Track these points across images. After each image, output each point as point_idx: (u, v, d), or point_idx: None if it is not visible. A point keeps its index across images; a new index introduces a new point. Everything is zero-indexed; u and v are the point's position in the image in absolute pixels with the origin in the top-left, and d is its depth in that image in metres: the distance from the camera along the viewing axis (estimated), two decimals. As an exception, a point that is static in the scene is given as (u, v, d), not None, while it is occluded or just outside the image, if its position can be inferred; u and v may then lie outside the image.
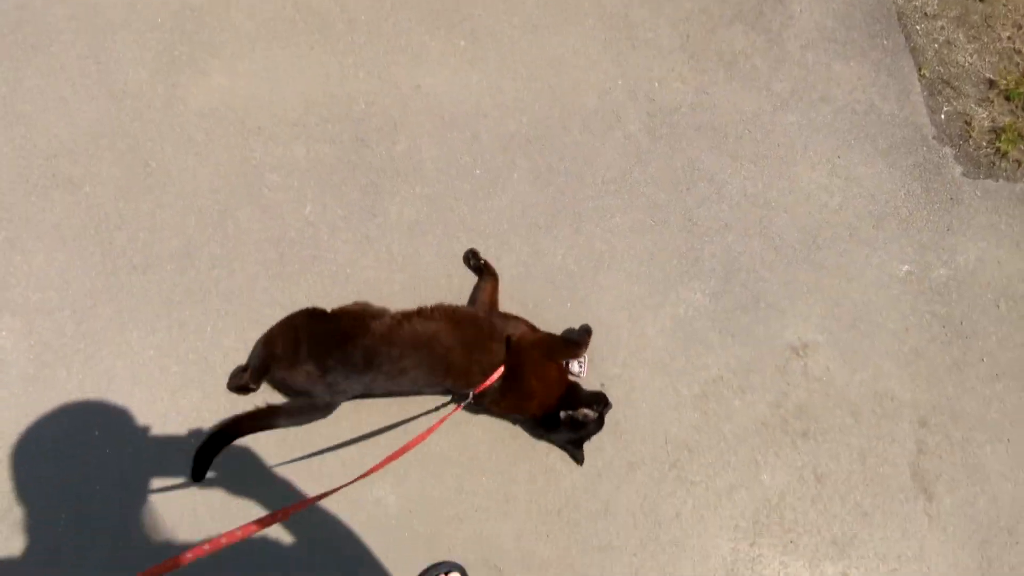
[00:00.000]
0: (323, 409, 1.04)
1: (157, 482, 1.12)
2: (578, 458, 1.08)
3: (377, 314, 1.07)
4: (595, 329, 1.23)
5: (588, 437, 1.06)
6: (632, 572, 1.11)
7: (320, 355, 1.00)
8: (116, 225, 1.28)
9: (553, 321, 1.24)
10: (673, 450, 1.18)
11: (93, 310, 1.21)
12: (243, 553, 0.98)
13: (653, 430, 1.19)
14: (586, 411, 1.01)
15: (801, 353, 1.25)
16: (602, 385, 1.21)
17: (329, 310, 1.11)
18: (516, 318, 1.11)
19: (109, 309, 1.21)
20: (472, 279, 1.27)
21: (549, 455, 1.17)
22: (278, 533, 1.10)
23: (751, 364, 1.24)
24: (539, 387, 1.03)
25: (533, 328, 1.10)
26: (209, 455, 0.99)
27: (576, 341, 1.13)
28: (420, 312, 1.06)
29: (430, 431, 0.93)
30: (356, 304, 1.12)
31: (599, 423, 1.06)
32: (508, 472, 1.14)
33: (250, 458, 1.15)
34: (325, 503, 0.99)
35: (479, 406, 1.06)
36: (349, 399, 1.06)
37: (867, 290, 1.32)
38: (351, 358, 1.00)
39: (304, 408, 1.04)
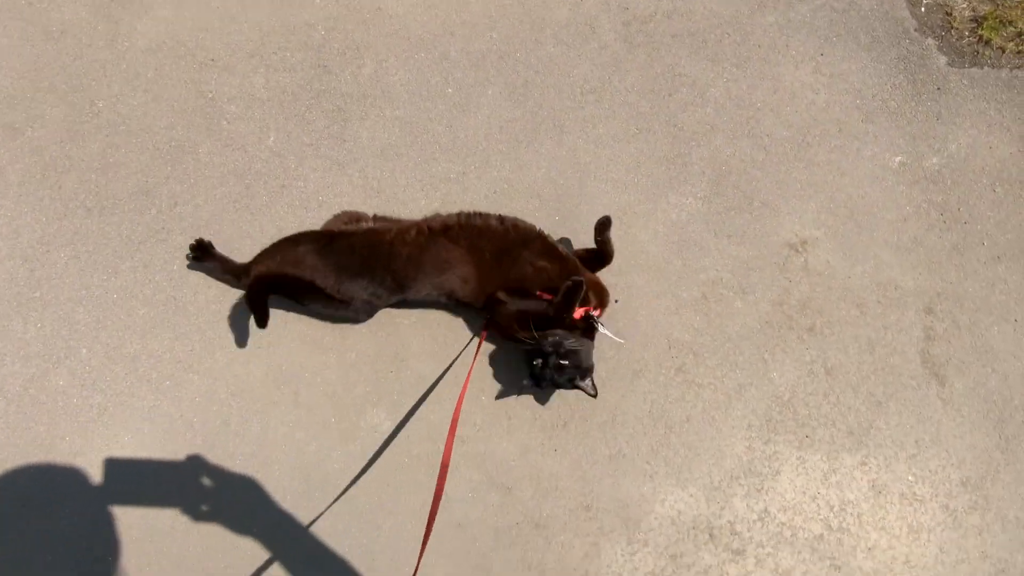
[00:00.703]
0: (364, 313, 1.21)
1: (126, 425, 1.26)
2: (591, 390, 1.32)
3: (384, 229, 1.29)
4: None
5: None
6: (647, 478, 1.28)
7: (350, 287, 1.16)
8: (64, 168, 1.44)
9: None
10: (677, 354, 1.37)
11: (47, 257, 1.37)
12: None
13: (655, 335, 1.38)
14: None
15: (800, 249, 1.46)
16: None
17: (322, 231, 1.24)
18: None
19: (65, 254, 1.37)
20: (453, 197, 1.44)
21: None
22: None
23: (750, 263, 1.45)
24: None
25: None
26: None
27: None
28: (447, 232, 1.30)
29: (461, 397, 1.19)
30: (345, 216, 1.27)
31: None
32: (504, 379, 1.41)
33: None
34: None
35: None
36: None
37: (861, 183, 1.54)
38: (384, 282, 1.16)
39: (342, 312, 1.20)
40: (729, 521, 1.34)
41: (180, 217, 1.47)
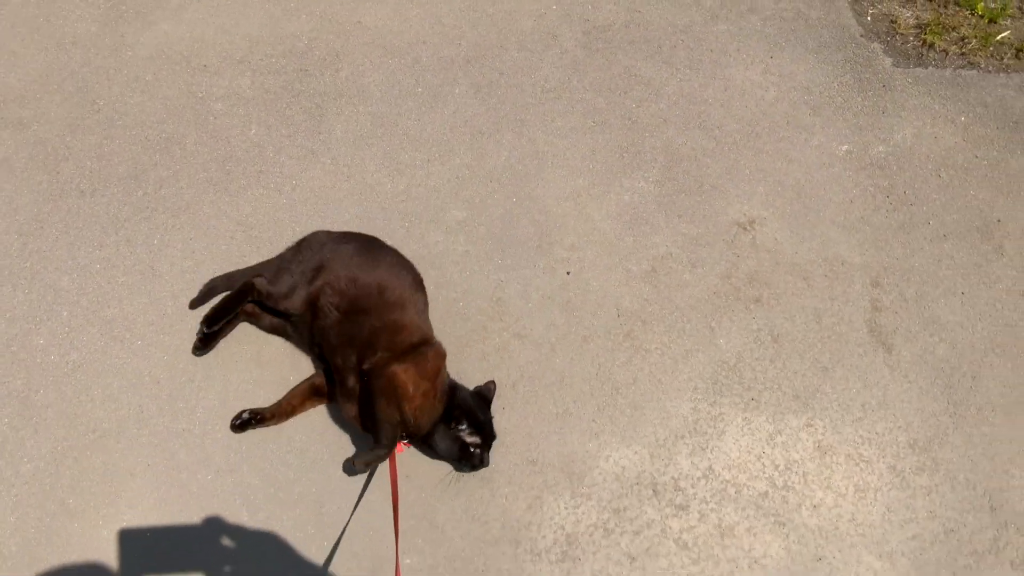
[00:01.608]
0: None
1: (98, 380, 1.78)
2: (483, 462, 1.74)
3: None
4: (542, 219, 2.17)
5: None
6: (592, 435, 1.72)
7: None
8: (63, 157, 2.04)
9: (501, 216, 2.17)
10: (626, 322, 1.84)
11: (40, 232, 1.93)
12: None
13: (604, 304, 1.87)
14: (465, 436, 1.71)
15: (748, 228, 1.98)
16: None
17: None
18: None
19: (56, 230, 1.94)
20: (418, 181, 2.15)
21: (502, 334, 1.99)
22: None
23: (699, 239, 1.96)
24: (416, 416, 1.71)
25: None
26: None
27: None
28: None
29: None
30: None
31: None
32: (457, 353, 1.92)
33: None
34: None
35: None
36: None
37: (809, 169, 2.08)
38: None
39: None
40: (673, 478, 1.73)
41: (164, 198, 2.04)
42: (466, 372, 1.92)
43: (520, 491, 1.81)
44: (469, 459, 1.70)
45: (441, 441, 1.70)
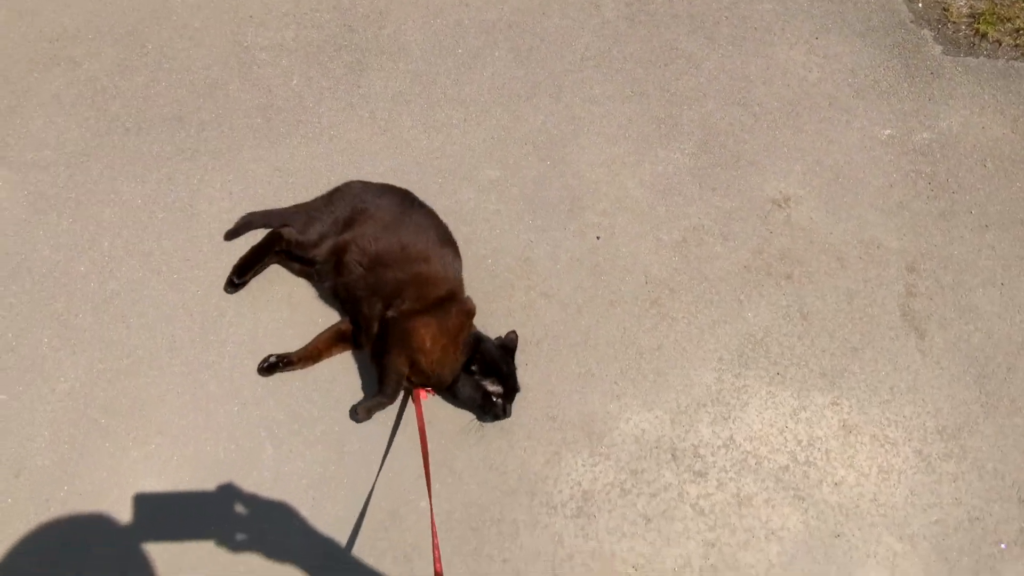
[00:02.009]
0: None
1: (134, 309, 1.89)
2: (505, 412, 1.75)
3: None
4: (575, 183, 2.17)
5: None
6: (614, 398, 1.72)
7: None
8: (112, 95, 2.09)
9: (534, 178, 2.18)
10: (653, 289, 1.84)
11: (85, 165, 1.98)
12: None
13: (633, 270, 1.87)
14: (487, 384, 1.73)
15: (783, 205, 1.96)
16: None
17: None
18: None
19: (101, 164, 1.98)
20: (454, 139, 2.17)
21: (529, 292, 2.01)
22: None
23: (732, 213, 1.95)
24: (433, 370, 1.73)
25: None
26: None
27: None
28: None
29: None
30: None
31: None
32: (483, 308, 1.92)
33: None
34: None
35: None
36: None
37: (849, 151, 2.06)
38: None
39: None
40: (693, 444, 1.73)
41: (206, 140, 2.08)
42: (492, 327, 1.93)
43: (539, 445, 1.82)
44: (491, 409, 1.71)
45: (464, 390, 1.72)
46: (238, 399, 1.82)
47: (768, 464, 1.82)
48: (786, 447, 1.85)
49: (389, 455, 1.76)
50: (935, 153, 2.28)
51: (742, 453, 1.83)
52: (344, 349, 1.89)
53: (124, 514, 1.69)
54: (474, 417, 1.79)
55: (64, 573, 1.63)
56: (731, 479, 1.80)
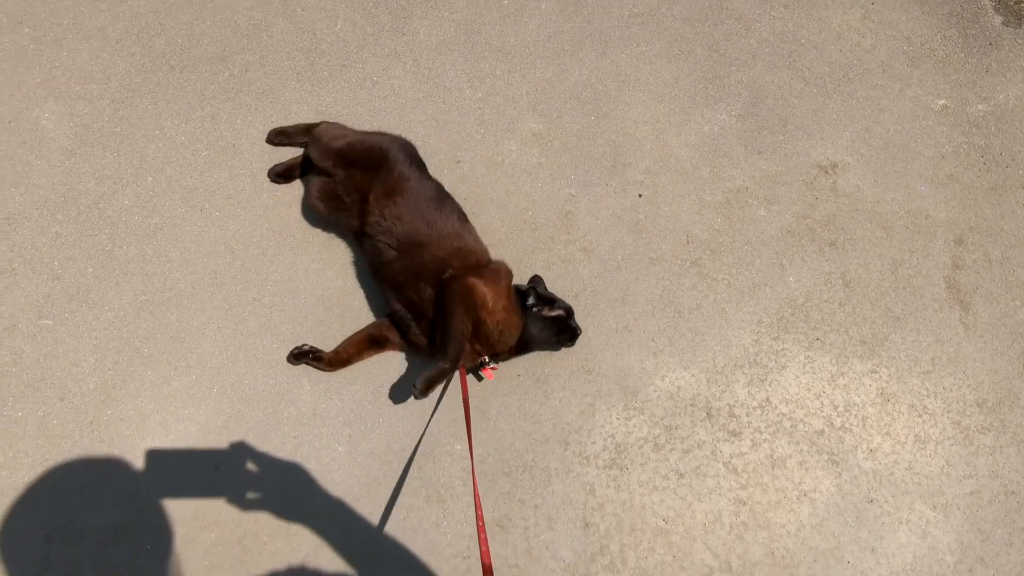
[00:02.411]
0: None
1: (176, 244, 1.91)
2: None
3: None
4: (619, 140, 2.14)
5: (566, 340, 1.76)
6: (650, 354, 1.71)
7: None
8: (156, 32, 2.08)
9: (577, 133, 2.16)
10: (695, 249, 1.81)
11: (131, 100, 1.97)
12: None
13: (674, 230, 1.84)
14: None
15: (830, 171, 1.92)
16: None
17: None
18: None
19: (146, 100, 1.97)
20: (497, 90, 2.16)
21: (568, 247, 2.00)
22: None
23: (777, 177, 1.91)
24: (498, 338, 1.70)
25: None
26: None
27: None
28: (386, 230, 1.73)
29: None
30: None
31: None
32: (523, 259, 1.96)
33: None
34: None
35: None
36: None
37: (900, 120, 2.00)
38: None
39: None
40: (728, 404, 1.72)
41: (249, 81, 2.06)
42: (528, 278, 1.92)
43: (573, 397, 1.82)
44: (569, 330, 1.71)
45: (534, 329, 1.68)
46: (277, 336, 1.84)
47: (803, 427, 1.82)
48: (822, 412, 1.83)
49: (426, 400, 1.77)
50: (990, 126, 2.22)
51: (778, 415, 1.83)
52: (377, 352, 1.81)
53: (165, 439, 1.72)
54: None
55: (108, 492, 1.66)
56: (765, 440, 1.80)
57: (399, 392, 1.79)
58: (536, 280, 1.84)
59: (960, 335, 1.93)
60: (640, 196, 2.08)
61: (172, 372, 1.79)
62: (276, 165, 2.03)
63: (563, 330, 1.70)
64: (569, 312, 1.72)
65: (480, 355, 1.69)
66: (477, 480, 1.50)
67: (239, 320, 1.86)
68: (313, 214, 1.96)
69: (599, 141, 2.16)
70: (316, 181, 1.88)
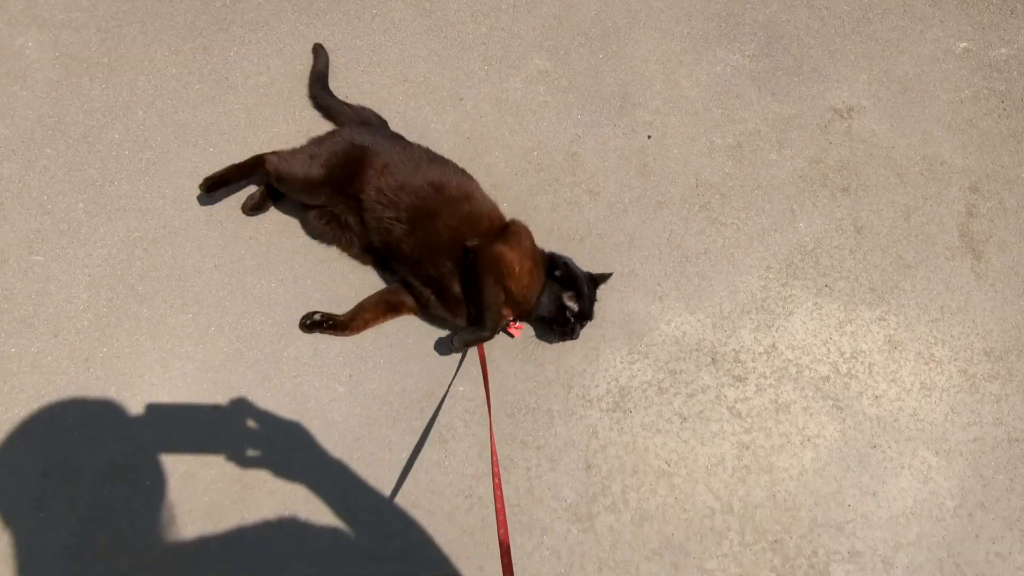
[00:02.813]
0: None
1: (169, 180, 1.85)
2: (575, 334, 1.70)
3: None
4: (628, 79, 2.07)
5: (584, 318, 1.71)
6: (656, 298, 1.66)
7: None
8: None
9: (584, 71, 2.08)
10: (704, 193, 1.75)
11: (119, 30, 1.88)
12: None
13: (683, 173, 1.77)
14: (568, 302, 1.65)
15: (845, 115, 1.84)
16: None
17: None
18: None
19: (134, 30, 1.88)
20: (502, 24, 2.07)
21: (574, 188, 1.95)
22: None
23: (791, 121, 1.83)
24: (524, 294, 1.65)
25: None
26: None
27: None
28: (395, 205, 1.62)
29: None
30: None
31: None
32: (527, 201, 1.91)
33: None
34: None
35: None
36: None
37: (920, 62, 1.91)
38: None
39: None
40: (734, 349, 1.69)
41: (242, 12, 1.97)
42: (534, 221, 1.88)
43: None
44: (562, 324, 1.65)
45: (546, 299, 1.65)
46: (274, 275, 1.80)
47: (809, 373, 1.80)
48: (828, 358, 1.82)
49: (427, 340, 1.74)
50: (1012, 71, 2.15)
51: (783, 361, 1.81)
52: (394, 318, 1.76)
53: (163, 377, 1.69)
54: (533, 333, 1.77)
55: (104, 430, 1.65)
56: (770, 385, 1.78)
57: (399, 334, 1.76)
58: (602, 276, 1.75)
59: (971, 283, 1.90)
60: (649, 137, 2.02)
61: (168, 310, 1.76)
62: (247, 199, 1.83)
63: (559, 320, 1.65)
64: (583, 315, 1.65)
65: (508, 316, 1.68)
66: (493, 433, 1.49)
67: (236, 259, 1.81)
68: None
69: (607, 80, 2.08)
70: (309, 214, 1.75)
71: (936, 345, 1.84)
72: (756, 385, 1.78)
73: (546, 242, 1.88)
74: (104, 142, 1.93)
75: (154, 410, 1.67)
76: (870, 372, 1.81)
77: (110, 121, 1.96)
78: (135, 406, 1.67)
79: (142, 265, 1.80)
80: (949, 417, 1.78)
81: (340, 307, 1.79)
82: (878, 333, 1.85)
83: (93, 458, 1.63)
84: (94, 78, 2.01)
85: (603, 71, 2.09)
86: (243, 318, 1.77)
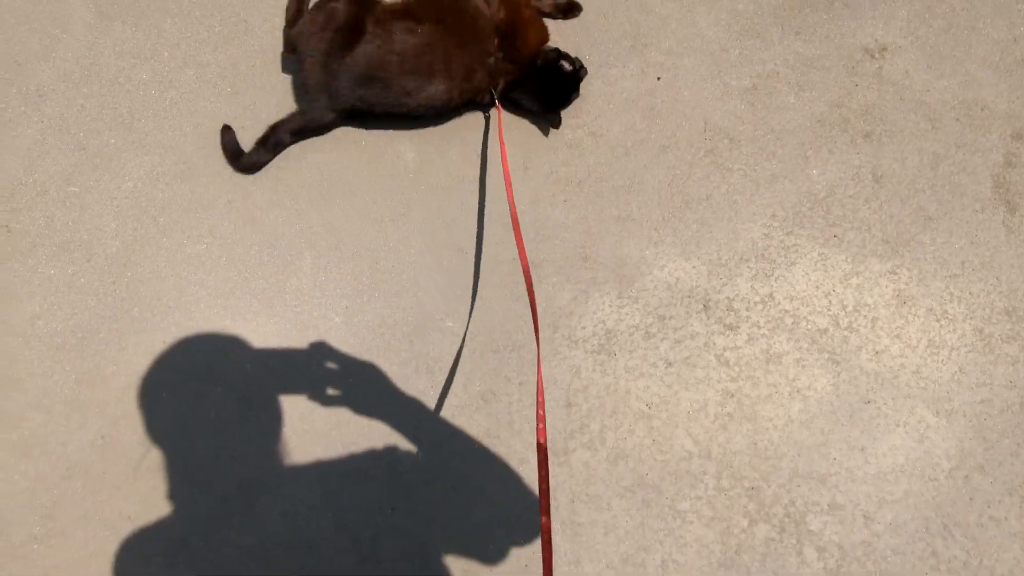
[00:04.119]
0: (322, 123, 1.89)
1: (191, 119, 1.94)
2: (555, 122, 1.87)
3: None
4: (641, 18, 2.06)
5: (565, 100, 1.83)
6: (651, 244, 1.68)
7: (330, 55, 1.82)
8: None
9: (595, 7, 2.07)
10: (712, 137, 1.72)
11: None
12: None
13: (692, 116, 1.75)
14: (563, 61, 1.79)
15: (877, 56, 1.76)
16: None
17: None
18: None
19: None
20: None
21: (576, 131, 1.98)
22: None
23: (814, 62, 1.77)
24: (527, 32, 1.83)
25: None
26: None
27: None
28: (407, 13, 1.83)
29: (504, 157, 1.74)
30: None
31: (574, 84, 1.84)
32: (526, 143, 1.95)
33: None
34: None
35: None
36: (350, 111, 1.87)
37: None
38: (353, 65, 1.78)
39: (305, 122, 1.91)
40: (728, 297, 1.70)
41: (262, -47, 2.03)
42: (534, 164, 1.91)
43: (567, 282, 1.85)
44: (564, 97, 1.84)
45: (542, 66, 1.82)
46: (282, 208, 1.94)
47: (806, 325, 1.78)
48: (829, 310, 1.79)
49: (419, 276, 1.84)
50: (1081, 3, 1.96)
51: (780, 311, 1.80)
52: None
53: (179, 301, 1.88)
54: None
55: (129, 343, 1.86)
56: (763, 335, 1.78)
57: (394, 270, 1.86)
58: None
59: (1000, 238, 1.81)
60: (659, 79, 1.99)
61: (185, 240, 1.93)
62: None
63: (559, 90, 1.81)
64: (577, 74, 1.81)
65: (508, 73, 1.83)
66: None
67: (246, 195, 1.96)
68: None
69: (619, 18, 2.05)
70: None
71: (951, 302, 1.77)
72: (748, 334, 1.79)
73: (543, 184, 1.92)
74: (133, 82, 2.10)
75: (170, 329, 1.87)
76: (873, 327, 1.77)
77: (139, 63, 2.12)
78: (155, 326, 1.87)
79: (163, 198, 1.97)
80: (956, 377, 1.73)
81: (342, 240, 1.91)
82: (887, 287, 1.80)
83: (119, 369, 1.85)
84: (125, 21, 2.17)
85: (615, 9, 2.06)
86: (251, 249, 1.92)
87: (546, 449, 1.36)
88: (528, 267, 1.55)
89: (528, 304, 1.83)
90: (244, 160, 1.96)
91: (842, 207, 1.87)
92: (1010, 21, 1.98)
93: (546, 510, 1.11)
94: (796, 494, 1.69)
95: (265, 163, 1.98)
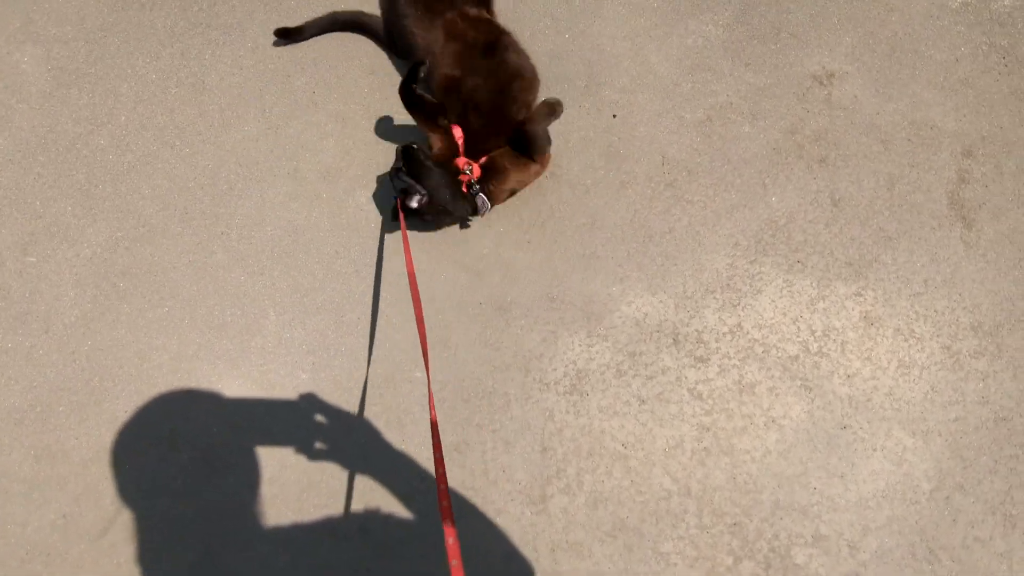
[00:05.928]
0: None
1: (149, 181, 2.00)
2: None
3: None
4: (594, 58, 2.16)
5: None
6: (617, 280, 1.72)
7: None
8: None
9: (549, 52, 2.16)
10: (670, 171, 1.79)
11: (104, 40, 2.07)
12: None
13: (649, 151, 1.82)
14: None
15: (825, 82, 1.84)
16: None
17: None
18: None
19: (118, 39, 2.07)
20: None
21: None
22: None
23: (765, 91, 1.85)
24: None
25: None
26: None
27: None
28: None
29: None
30: None
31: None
32: None
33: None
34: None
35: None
36: None
37: (911, 20, 1.90)
38: None
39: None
40: (697, 330, 1.73)
41: (217, 15, 2.15)
42: (496, 207, 1.96)
43: (536, 324, 1.87)
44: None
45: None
46: (245, 268, 1.96)
47: (776, 353, 1.82)
48: (798, 336, 1.83)
49: (386, 327, 1.86)
50: (1016, 23, 2.07)
51: (749, 341, 1.83)
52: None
53: (140, 368, 1.88)
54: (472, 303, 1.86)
55: (89, 416, 1.85)
56: (734, 366, 1.81)
57: (360, 323, 1.89)
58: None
59: (959, 254, 1.87)
60: (614, 117, 2.06)
61: (146, 305, 1.95)
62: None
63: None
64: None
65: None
66: (435, 406, 1.60)
67: (208, 254, 1.99)
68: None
69: (573, 60, 2.13)
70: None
71: (917, 321, 1.82)
72: (719, 366, 1.82)
73: (506, 227, 1.96)
74: (90, 148, 2.14)
75: (131, 398, 1.87)
76: (843, 350, 1.81)
77: (96, 128, 2.17)
78: (116, 394, 1.87)
79: (123, 263, 1.99)
80: (929, 396, 1.76)
81: (306, 296, 1.93)
82: (853, 309, 1.84)
83: (80, 443, 1.83)
84: (82, 88, 2.22)
85: (569, 51, 2.15)
86: (214, 310, 1.94)
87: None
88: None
89: (497, 347, 1.85)
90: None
91: (803, 232, 1.93)
92: (951, 43, 2.08)
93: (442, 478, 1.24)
94: (779, 527, 1.70)
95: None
